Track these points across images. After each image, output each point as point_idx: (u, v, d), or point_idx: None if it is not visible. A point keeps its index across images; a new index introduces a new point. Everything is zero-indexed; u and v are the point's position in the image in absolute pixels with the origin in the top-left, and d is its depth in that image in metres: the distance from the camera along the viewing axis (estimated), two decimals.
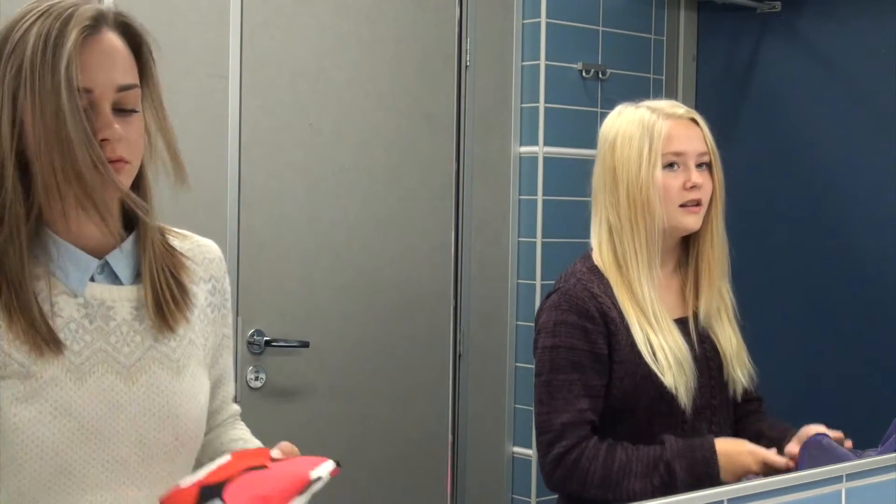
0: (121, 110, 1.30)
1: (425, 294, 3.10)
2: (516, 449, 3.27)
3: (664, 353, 1.96)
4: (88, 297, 1.33)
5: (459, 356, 3.16)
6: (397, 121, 3.05)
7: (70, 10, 1.27)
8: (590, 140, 3.36)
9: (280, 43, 2.83)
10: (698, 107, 3.52)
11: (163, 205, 2.65)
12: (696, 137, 2.03)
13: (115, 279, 1.36)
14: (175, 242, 1.45)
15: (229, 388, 1.56)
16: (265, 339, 2.81)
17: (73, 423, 1.28)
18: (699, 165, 2.03)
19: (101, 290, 1.35)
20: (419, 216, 3.09)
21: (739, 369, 2.06)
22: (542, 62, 3.22)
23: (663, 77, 3.52)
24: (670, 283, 2.07)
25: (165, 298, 1.37)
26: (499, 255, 3.25)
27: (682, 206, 2.01)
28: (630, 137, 2.02)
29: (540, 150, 3.23)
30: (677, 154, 2.01)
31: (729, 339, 2.06)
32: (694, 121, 2.05)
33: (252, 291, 2.79)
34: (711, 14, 3.57)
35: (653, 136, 2.00)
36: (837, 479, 1.88)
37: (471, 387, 3.19)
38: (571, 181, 3.29)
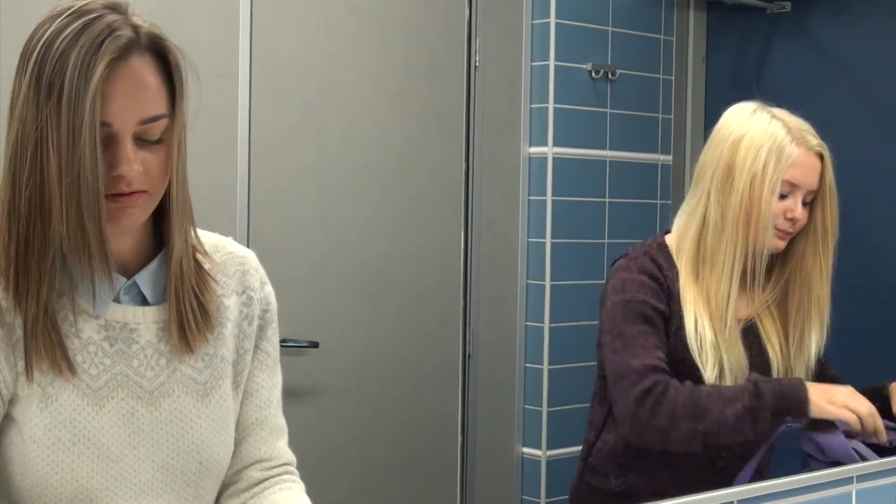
0: (145, 141, 1.24)
1: (434, 294, 3.10)
2: (525, 449, 3.27)
3: (715, 352, 1.99)
4: (110, 318, 1.30)
5: (469, 356, 3.16)
6: (407, 121, 3.05)
7: (105, 32, 1.21)
8: (599, 140, 3.37)
9: (289, 43, 2.84)
10: (707, 107, 3.54)
11: None
12: (815, 173, 2.05)
13: (141, 299, 1.33)
14: (204, 259, 1.40)
15: (264, 411, 1.46)
16: None
17: (93, 450, 1.26)
18: (805, 201, 2.05)
19: (124, 312, 1.31)
20: (429, 216, 3.09)
21: None
22: (552, 62, 3.22)
23: (673, 77, 3.52)
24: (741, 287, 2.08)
25: (188, 320, 1.33)
26: (508, 256, 3.25)
27: (775, 229, 2.04)
28: (758, 147, 2.01)
29: (549, 150, 3.23)
30: (793, 185, 2.03)
31: (800, 365, 2.08)
32: (820, 155, 2.06)
33: None
34: (721, 14, 3.57)
35: (780, 159, 2.01)
36: (848, 481, 1.88)
37: (480, 387, 3.18)
38: (581, 181, 3.29)
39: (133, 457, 1.29)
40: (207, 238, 1.44)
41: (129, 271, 1.32)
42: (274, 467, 1.48)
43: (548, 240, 3.22)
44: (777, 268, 2.10)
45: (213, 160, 2.71)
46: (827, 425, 1.93)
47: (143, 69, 1.24)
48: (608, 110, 3.35)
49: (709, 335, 1.99)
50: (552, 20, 3.22)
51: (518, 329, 3.26)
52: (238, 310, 1.42)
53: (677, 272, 2.03)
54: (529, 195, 3.27)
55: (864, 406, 1.92)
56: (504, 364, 3.24)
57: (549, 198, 3.23)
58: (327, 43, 2.90)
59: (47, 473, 1.24)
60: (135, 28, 1.24)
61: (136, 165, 1.22)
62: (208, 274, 1.39)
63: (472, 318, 3.16)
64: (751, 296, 2.09)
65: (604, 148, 3.34)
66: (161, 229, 1.34)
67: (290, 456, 1.52)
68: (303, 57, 2.86)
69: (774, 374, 2.06)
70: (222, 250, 1.45)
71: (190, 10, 2.67)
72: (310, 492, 3.05)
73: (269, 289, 1.49)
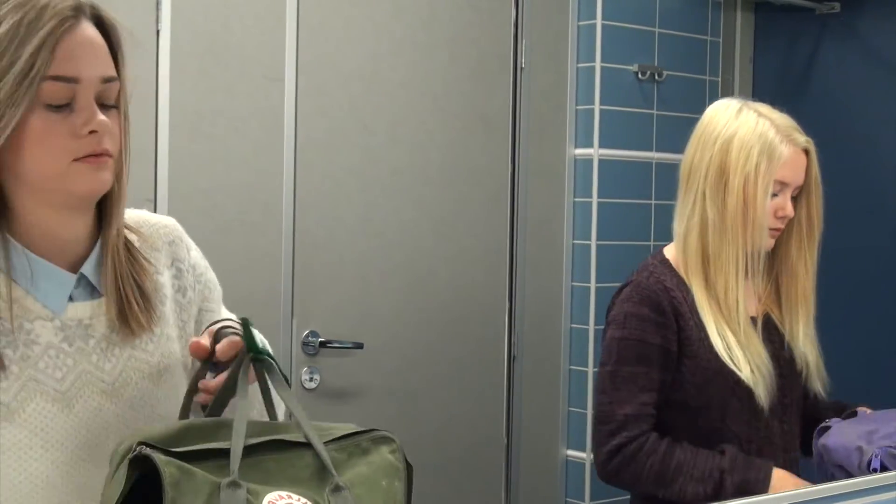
0: (102, 105, 1.24)
1: (479, 296, 3.10)
2: (570, 452, 3.26)
3: (742, 351, 1.97)
4: (65, 319, 1.27)
5: (514, 358, 3.16)
6: (452, 123, 3.05)
7: (45, 3, 1.22)
8: (645, 142, 3.36)
9: (335, 46, 2.85)
10: None
11: (219, 203, 2.67)
12: (802, 168, 2.04)
13: (91, 291, 1.30)
14: (132, 237, 1.36)
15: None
16: (319, 339, 2.82)
17: (65, 455, 1.25)
18: (791, 195, 2.04)
19: (78, 309, 1.29)
20: (474, 218, 3.09)
21: (819, 382, 2.08)
22: (598, 64, 3.21)
23: (719, 79, 3.50)
24: (746, 284, 2.06)
25: (131, 309, 1.31)
26: (553, 258, 3.24)
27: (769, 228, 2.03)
28: (749, 148, 2.00)
29: (595, 152, 3.22)
30: (783, 183, 2.02)
31: (809, 353, 2.07)
32: (806, 150, 2.04)
33: (307, 293, 2.81)
34: (768, 15, 3.54)
35: (772, 159, 1.99)
36: None
37: (525, 389, 3.18)
38: (626, 183, 3.28)
39: (100, 454, 1.25)
40: (128, 214, 1.39)
41: (71, 264, 1.29)
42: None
43: (593, 242, 3.21)
44: (767, 263, 2.08)
45: (260, 161, 2.73)
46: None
47: (93, 33, 1.25)
48: (654, 112, 3.33)
49: (731, 336, 1.98)
50: (598, 21, 3.21)
51: (563, 331, 3.26)
52: (171, 283, 1.40)
53: (687, 285, 2.01)
54: (575, 197, 3.26)
55: None
56: (549, 366, 3.24)
57: (594, 199, 3.22)
58: (373, 45, 2.91)
59: (20, 483, 1.22)
60: (76, 1, 1.25)
61: (104, 119, 1.23)
62: (140, 252, 1.36)
63: (517, 320, 3.16)
64: (756, 291, 2.08)
65: (650, 150, 3.33)
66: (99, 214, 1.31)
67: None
68: (348, 59, 2.87)
69: (798, 363, 2.06)
70: (146, 224, 1.40)
71: (238, 14, 2.69)
72: None
73: (195, 253, 1.45)
